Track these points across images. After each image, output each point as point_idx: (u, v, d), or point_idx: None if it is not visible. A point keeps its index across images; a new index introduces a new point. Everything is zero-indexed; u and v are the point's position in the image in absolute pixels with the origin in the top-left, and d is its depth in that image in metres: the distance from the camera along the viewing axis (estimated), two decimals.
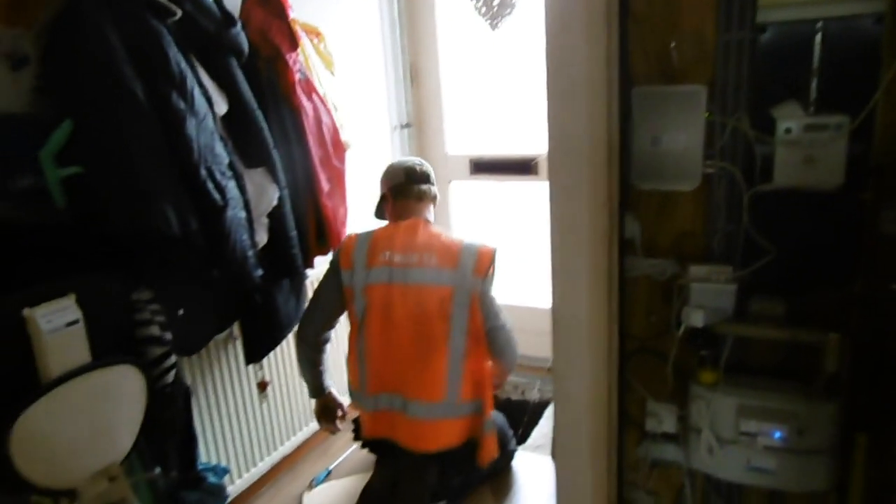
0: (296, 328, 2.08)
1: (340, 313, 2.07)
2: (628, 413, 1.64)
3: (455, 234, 2.06)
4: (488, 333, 2.00)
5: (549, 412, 2.82)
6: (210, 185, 1.49)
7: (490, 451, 2.04)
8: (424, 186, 2.16)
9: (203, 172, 1.46)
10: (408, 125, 3.04)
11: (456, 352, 1.92)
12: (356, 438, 2.21)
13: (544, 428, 2.69)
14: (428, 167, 2.22)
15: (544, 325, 2.99)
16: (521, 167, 2.88)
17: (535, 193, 2.97)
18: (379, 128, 2.93)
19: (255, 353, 1.91)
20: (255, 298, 1.68)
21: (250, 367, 2.13)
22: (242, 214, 1.64)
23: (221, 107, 1.70)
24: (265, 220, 1.81)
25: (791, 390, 1.40)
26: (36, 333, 1.17)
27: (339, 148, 2.20)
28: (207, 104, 1.58)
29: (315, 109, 2.11)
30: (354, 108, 2.60)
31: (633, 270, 1.53)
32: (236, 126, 1.75)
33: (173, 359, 1.49)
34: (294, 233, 1.92)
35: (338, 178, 2.20)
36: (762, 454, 1.41)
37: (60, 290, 1.23)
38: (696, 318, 1.40)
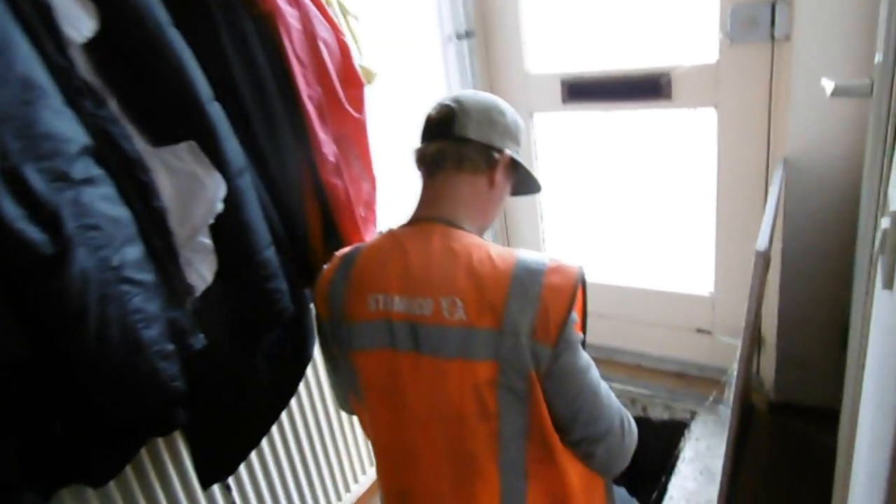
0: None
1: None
2: None
3: (499, 249, 1.00)
4: (571, 444, 1.05)
5: (689, 455, 1.95)
6: (13, 213, 0.64)
7: None
8: (438, 145, 1.06)
9: None
10: (468, 34, 2.16)
11: (513, 468, 1.04)
12: None
13: (685, 480, 1.84)
14: (465, 102, 1.07)
15: (671, 315, 2.17)
16: (644, 88, 1.93)
17: (666, 127, 2.02)
18: (425, 40, 2.10)
19: (217, 471, 1.11)
20: (175, 416, 0.85)
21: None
22: (136, 250, 0.79)
23: (83, 23, 0.84)
24: (205, 241, 0.96)
25: None
26: None
27: (353, 83, 1.30)
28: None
29: (305, 19, 1.20)
30: (385, 11, 1.75)
31: None
32: (123, 61, 0.88)
33: None
34: (269, 251, 1.06)
35: (353, 136, 1.31)
36: None
37: None
38: None
